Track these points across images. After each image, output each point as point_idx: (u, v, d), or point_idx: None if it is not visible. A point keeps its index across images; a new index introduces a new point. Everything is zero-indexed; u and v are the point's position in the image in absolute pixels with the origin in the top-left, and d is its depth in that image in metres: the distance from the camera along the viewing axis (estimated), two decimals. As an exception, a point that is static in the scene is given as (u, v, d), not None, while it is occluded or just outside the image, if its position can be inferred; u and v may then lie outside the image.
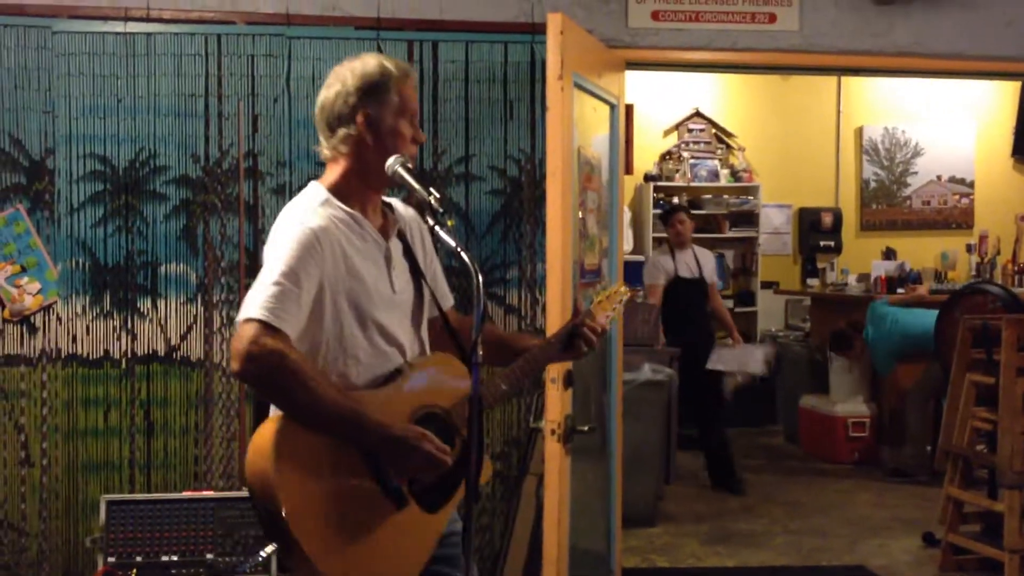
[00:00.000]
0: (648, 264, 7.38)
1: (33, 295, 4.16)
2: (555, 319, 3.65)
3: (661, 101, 9.22)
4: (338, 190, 2.41)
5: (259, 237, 4.24)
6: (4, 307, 4.15)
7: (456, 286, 2.85)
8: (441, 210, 2.30)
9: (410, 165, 2.40)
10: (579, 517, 4.15)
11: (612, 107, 4.36)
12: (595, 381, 4.31)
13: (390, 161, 2.38)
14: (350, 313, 2.36)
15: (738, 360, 7.22)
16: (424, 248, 2.58)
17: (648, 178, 9.22)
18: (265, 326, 2.18)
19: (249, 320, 2.20)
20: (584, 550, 4.39)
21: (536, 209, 4.36)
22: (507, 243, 4.42)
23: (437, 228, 2.31)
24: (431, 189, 2.32)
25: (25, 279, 4.15)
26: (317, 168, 4.23)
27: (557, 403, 3.60)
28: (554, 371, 3.44)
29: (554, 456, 3.72)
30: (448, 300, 2.66)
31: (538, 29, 4.17)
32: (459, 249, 2.24)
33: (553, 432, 3.62)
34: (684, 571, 5.41)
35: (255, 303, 2.21)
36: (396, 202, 2.58)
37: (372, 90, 2.40)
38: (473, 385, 2.18)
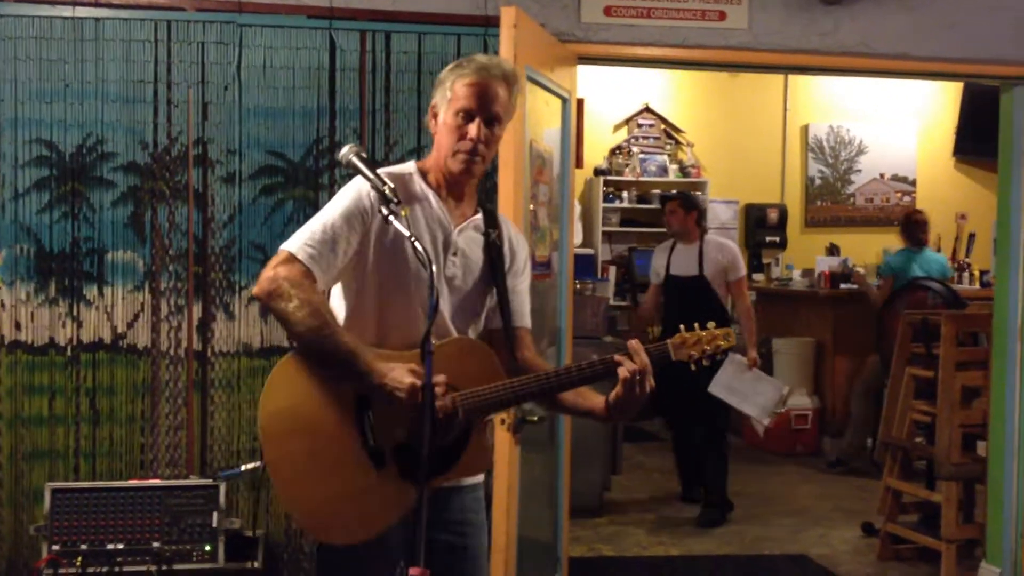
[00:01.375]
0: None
1: (-24, 281, 4.11)
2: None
3: (611, 96, 9.29)
4: (424, 167, 2.57)
5: (208, 225, 4.22)
6: (-54, 293, 4.09)
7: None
8: (395, 200, 2.32)
9: (364, 155, 2.42)
10: (526, 507, 4.18)
11: (564, 101, 4.39)
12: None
13: (344, 150, 2.42)
14: (392, 277, 2.46)
15: (743, 393, 6.17)
16: (514, 265, 2.63)
17: (598, 172, 9.29)
18: (291, 257, 2.37)
19: (281, 250, 2.40)
20: (531, 539, 4.43)
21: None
22: (458, 234, 4.43)
23: (391, 217, 2.33)
24: (384, 179, 2.34)
25: (-32, 265, 4.09)
26: (266, 156, 4.24)
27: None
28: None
29: (503, 447, 3.75)
30: (520, 319, 2.64)
31: (491, 22, 4.20)
32: (412, 239, 2.27)
33: (503, 422, 3.64)
34: (629, 560, 5.48)
35: (294, 237, 2.41)
36: (503, 219, 2.67)
37: (439, 82, 2.55)
38: (427, 372, 2.21)
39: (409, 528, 2.48)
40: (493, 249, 2.57)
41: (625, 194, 9.40)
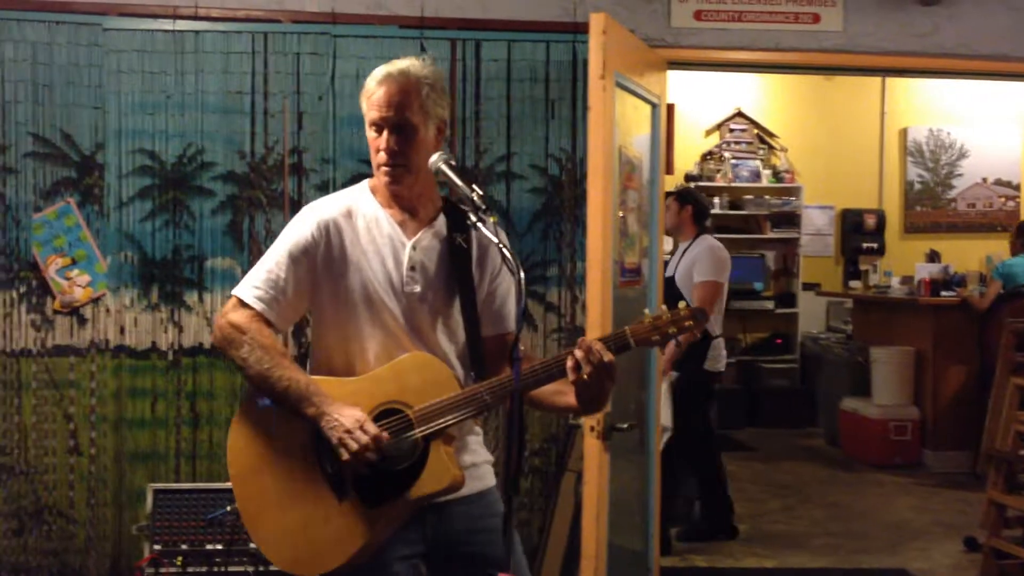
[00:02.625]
0: None
1: (83, 287, 4.25)
2: (595, 317, 3.67)
3: (703, 101, 9.21)
4: (374, 185, 2.54)
5: (303, 233, 4.30)
6: (55, 299, 4.23)
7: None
8: (483, 206, 2.33)
9: (453, 162, 2.43)
10: (617, 515, 4.17)
11: (654, 107, 4.37)
12: (634, 379, 4.32)
13: (433, 158, 2.43)
14: (347, 303, 2.45)
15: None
16: (484, 266, 2.55)
17: (689, 178, 9.21)
18: (239, 302, 2.43)
19: (232, 295, 2.46)
20: (622, 548, 4.41)
21: (576, 208, 4.39)
22: (547, 241, 4.45)
23: (479, 224, 2.34)
24: (474, 186, 2.35)
25: (75, 271, 4.24)
26: (359, 165, 4.30)
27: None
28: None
29: (593, 453, 3.74)
30: (505, 325, 2.58)
31: (580, 28, 4.19)
32: (500, 245, 2.28)
33: (592, 429, 3.63)
34: (722, 571, 5.41)
35: (243, 281, 2.47)
36: (485, 223, 2.51)
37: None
38: (514, 378, 2.21)
39: (411, 545, 2.50)
40: (457, 253, 2.50)
41: (716, 200, 9.30)
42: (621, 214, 3.97)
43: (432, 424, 2.36)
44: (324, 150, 4.31)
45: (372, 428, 2.32)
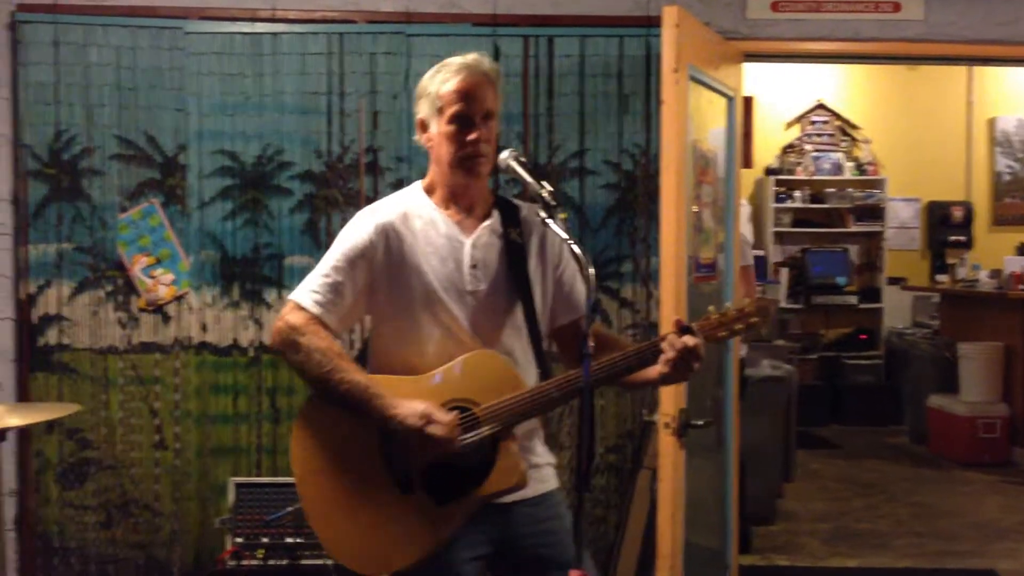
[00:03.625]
0: None
1: (167, 285, 4.35)
2: (668, 312, 3.65)
3: (783, 93, 9.08)
4: (427, 186, 2.54)
5: (379, 230, 4.34)
6: (140, 297, 4.34)
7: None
8: (553, 203, 2.32)
9: (523, 159, 2.43)
10: (695, 512, 4.13)
11: (729, 100, 4.32)
12: (711, 376, 4.28)
13: (503, 155, 2.43)
14: (408, 304, 2.45)
15: None
16: (545, 257, 2.55)
17: (769, 171, 9.09)
18: (296, 305, 2.43)
19: (289, 299, 2.47)
20: (700, 546, 4.37)
21: (650, 203, 4.35)
22: (621, 237, 4.42)
23: (549, 221, 2.34)
24: (543, 183, 2.35)
25: (159, 270, 4.34)
26: (435, 163, 4.32)
27: (671, 397, 3.59)
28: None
29: (668, 450, 3.71)
30: (579, 310, 2.56)
31: (654, 22, 4.16)
32: (570, 242, 2.27)
33: (667, 426, 3.61)
34: (803, 570, 5.33)
35: (301, 285, 2.47)
36: (525, 207, 2.58)
37: (419, 95, 2.50)
38: (584, 375, 2.21)
39: (476, 547, 2.50)
40: (513, 249, 2.49)
41: (798, 193, 9.17)
42: (695, 209, 3.94)
43: (500, 421, 2.37)
44: (399, 148, 4.35)
45: (444, 416, 2.32)
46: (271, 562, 3.99)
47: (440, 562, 2.41)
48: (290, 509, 3.90)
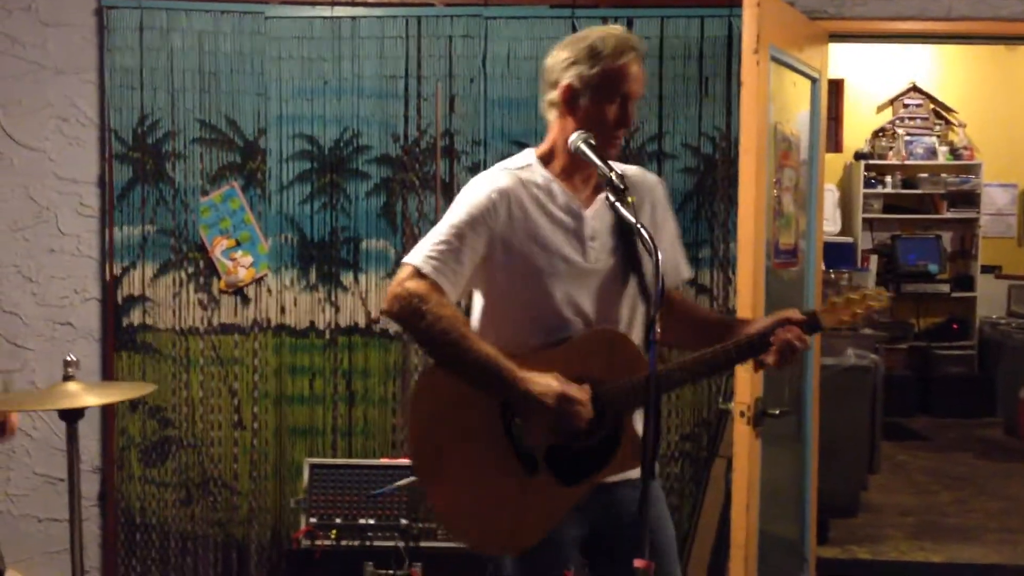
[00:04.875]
0: None
1: (246, 268, 4.40)
2: (746, 298, 3.58)
3: (874, 75, 8.84)
4: (544, 155, 2.50)
5: (455, 214, 4.33)
6: (220, 279, 4.41)
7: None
8: (622, 186, 2.29)
9: (593, 141, 2.39)
10: (772, 503, 4.06)
11: (814, 82, 4.21)
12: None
13: (573, 136, 2.40)
14: (527, 276, 2.41)
15: None
16: (654, 219, 2.53)
17: (859, 156, 8.87)
18: (416, 271, 2.34)
19: (405, 264, 2.38)
20: (777, 536, 4.29)
21: (730, 187, 4.27)
22: (699, 222, 4.35)
23: (617, 204, 2.31)
24: (611, 164, 2.32)
25: (239, 253, 4.40)
26: (511, 147, 4.30)
27: (747, 385, 3.53)
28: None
29: (743, 439, 3.65)
30: (679, 273, 2.62)
31: (736, 3, 4.03)
32: (639, 225, 2.24)
33: (743, 415, 3.55)
34: (885, 564, 5.21)
35: (417, 250, 2.39)
36: (635, 170, 2.56)
37: (578, 62, 2.42)
38: (651, 362, 2.16)
39: (578, 526, 2.46)
40: (623, 219, 2.38)
41: (888, 179, 8.93)
42: (776, 193, 3.85)
43: (624, 402, 2.33)
44: (475, 132, 4.33)
45: (581, 394, 2.29)
46: (344, 543, 4.03)
47: (548, 542, 2.40)
48: (397, 485, 3.90)
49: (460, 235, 2.38)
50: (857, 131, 8.86)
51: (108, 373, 4.41)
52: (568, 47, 2.45)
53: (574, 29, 4.26)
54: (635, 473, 2.41)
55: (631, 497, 2.41)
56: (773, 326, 2.38)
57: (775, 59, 3.69)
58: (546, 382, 2.29)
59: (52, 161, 4.37)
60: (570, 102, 2.43)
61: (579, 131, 2.40)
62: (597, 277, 2.43)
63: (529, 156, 2.50)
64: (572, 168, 2.45)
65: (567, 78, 2.42)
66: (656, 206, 2.57)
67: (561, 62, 2.44)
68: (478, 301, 2.51)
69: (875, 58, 8.63)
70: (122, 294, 4.40)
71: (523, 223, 2.40)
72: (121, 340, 4.41)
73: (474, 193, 2.43)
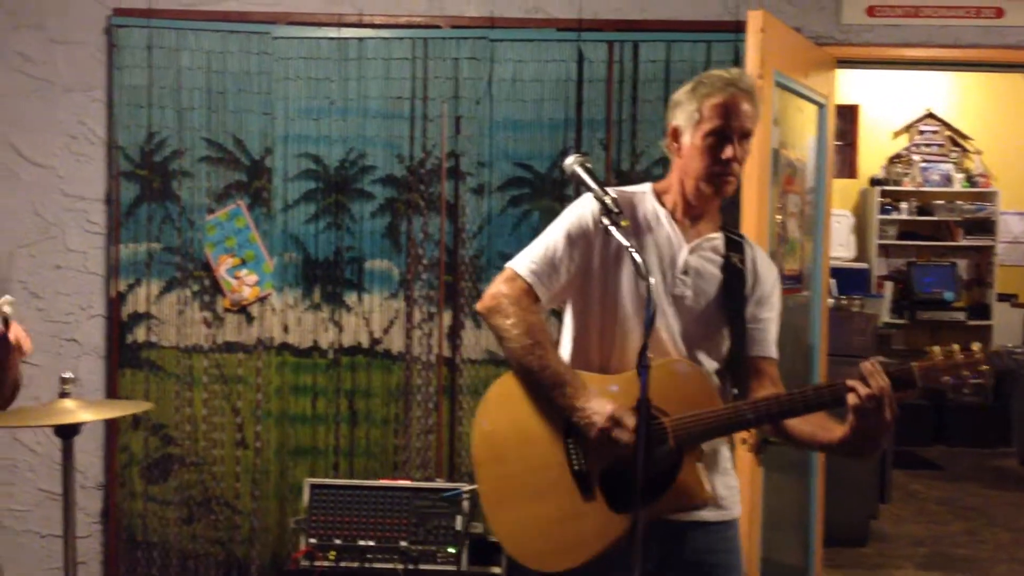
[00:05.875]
0: None
1: (251, 286, 4.41)
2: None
3: (890, 101, 8.80)
4: (660, 189, 2.52)
5: (459, 236, 4.33)
6: (225, 297, 4.41)
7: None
8: (616, 210, 2.28)
9: (589, 165, 2.38)
10: (777, 530, 4.02)
11: (820, 107, 4.20)
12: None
13: (569, 160, 2.39)
14: (609, 296, 2.43)
15: None
16: (754, 291, 2.49)
17: (874, 182, 8.82)
18: (515, 275, 2.44)
19: (506, 267, 2.48)
20: (781, 564, 4.25)
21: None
22: (705, 246, 4.32)
23: (611, 227, 2.29)
24: (607, 189, 2.31)
25: (244, 271, 4.41)
26: (515, 168, 4.31)
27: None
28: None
29: (745, 468, 3.61)
30: (760, 348, 2.48)
31: (743, 28, 4.04)
32: (630, 249, 2.22)
33: (744, 442, 3.51)
34: (892, 594, 5.15)
35: (521, 255, 2.48)
36: (749, 243, 2.54)
37: (678, 103, 2.47)
38: (642, 389, 2.14)
39: (641, 559, 2.41)
40: (732, 272, 2.44)
41: (904, 205, 8.87)
42: (779, 218, 3.83)
43: (688, 436, 2.29)
44: (481, 154, 4.33)
45: (631, 421, 2.26)
46: (343, 564, 4.01)
47: (600, 570, 2.36)
48: (467, 489, 3.88)
49: (560, 244, 2.44)
50: (872, 157, 8.82)
51: (112, 390, 4.41)
52: (680, 91, 2.51)
53: (580, 52, 4.27)
54: (711, 516, 2.41)
55: (700, 540, 2.39)
56: (847, 382, 2.22)
57: (780, 84, 3.69)
58: (600, 404, 2.29)
59: (60, 178, 4.40)
60: (675, 141, 2.48)
61: (575, 155, 2.40)
62: (681, 310, 2.42)
63: (646, 187, 2.54)
64: (685, 207, 2.47)
65: (673, 119, 2.48)
66: (761, 283, 2.51)
67: (671, 105, 2.51)
68: (567, 313, 2.54)
69: (890, 84, 8.60)
70: (127, 311, 4.41)
71: (619, 243, 2.39)
72: (125, 357, 4.42)
73: (581, 206, 2.48)
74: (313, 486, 4.12)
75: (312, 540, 4.05)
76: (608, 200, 2.29)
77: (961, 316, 8.85)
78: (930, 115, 8.90)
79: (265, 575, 4.44)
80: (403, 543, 4.01)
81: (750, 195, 3.48)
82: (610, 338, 2.43)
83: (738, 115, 2.37)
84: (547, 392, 2.35)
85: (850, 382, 2.17)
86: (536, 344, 2.36)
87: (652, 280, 2.17)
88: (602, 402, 2.29)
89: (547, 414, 2.37)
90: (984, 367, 2.15)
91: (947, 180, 8.88)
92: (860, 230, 8.80)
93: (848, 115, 8.58)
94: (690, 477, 2.30)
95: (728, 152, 2.36)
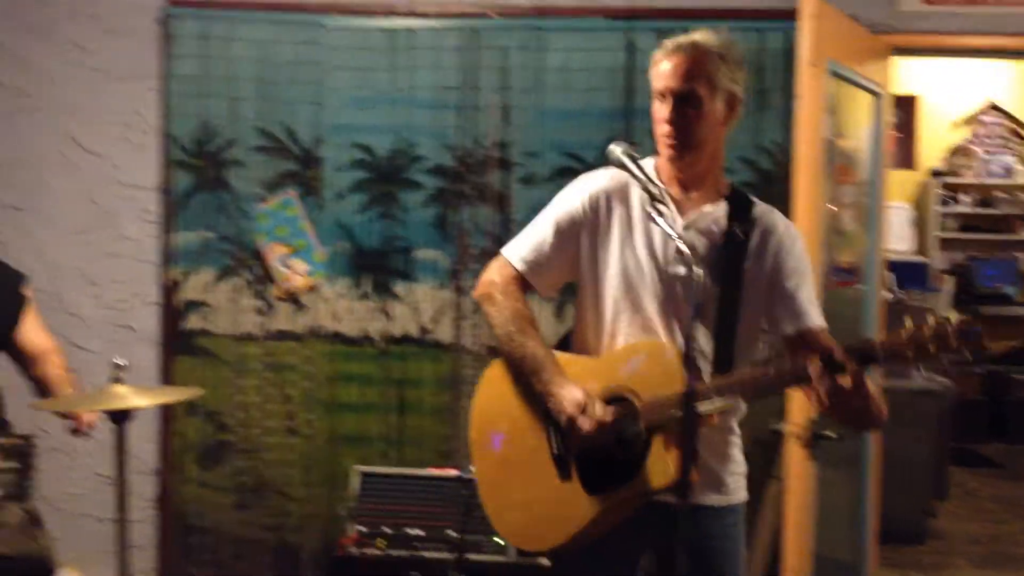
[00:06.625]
0: None
1: (302, 276, 4.44)
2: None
3: (951, 92, 8.62)
4: (658, 162, 2.49)
5: (508, 225, 4.32)
6: (276, 285, 4.45)
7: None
8: (661, 199, 2.26)
9: (633, 152, 2.35)
10: (830, 527, 3.97)
11: (876, 96, 4.12)
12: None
13: (613, 148, 2.37)
14: (600, 278, 2.44)
15: None
16: (763, 261, 2.40)
17: (934, 174, 8.65)
18: (505, 262, 2.50)
19: (500, 253, 2.55)
20: (835, 561, 4.20)
21: (788, 202, 4.18)
22: (756, 237, 4.27)
23: (654, 214, 2.27)
24: (651, 178, 2.28)
25: (295, 260, 4.44)
26: (565, 158, 4.28)
27: (800, 405, 3.46)
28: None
29: (796, 462, 3.59)
30: (803, 321, 2.37)
31: (796, 15, 3.98)
32: (674, 237, 2.20)
33: (796, 436, 3.47)
34: (948, 593, 5.06)
35: (514, 240, 2.54)
36: (764, 209, 2.47)
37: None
38: (688, 378, 2.12)
39: (633, 542, 2.42)
40: (734, 245, 2.36)
41: (965, 197, 8.70)
42: (833, 209, 3.77)
43: (657, 418, 2.27)
44: (530, 143, 4.32)
45: (597, 410, 2.29)
46: (391, 552, 4.02)
47: (594, 553, 2.39)
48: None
49: (549, 230, 2.47)
50: (932, 148, 8.65)
51: (167, 377, 4.47)
52: None
53: (630, 41, 4.23)
54: (712, 501, 2.41)
55: (701, 525, 2.36)
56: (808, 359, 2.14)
57: (834, 73, 3.63)
58: (570, 392, 2.31)
59: (115, 167, 4.46)
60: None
61: (620, 143, 2.37)
62: (674, 287, 2.38)
63: (648, 162, 2.47)
64: (676, 177, 2.43)
65: None
66: (768, 246, 2.43)
67: None
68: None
69: (951, 74, 8.42)
70: (181, 299, 4.46)
71: (611, 225, 2.42)
72: (180, 345, 4.47)
73: (570, 191, 2.50)
74: (362, 474, 4.13)
75: (361, 528, 4.06)
76: (654, 189, 2.27)
77: (1023, 311, 8.67)
78: (992, 106, 8.71)
79: (315, 561, 4.47)
80: (451, 532, 4.01)
81: (802, 185, 3.44)
82: (604, 323, 2.44)
83: (676, 76, 2.34)
84: (527, 378, 2.39)
85: (812, 367, 2.07)
86: (518, 331, 2.40)
87: (699, 271, 2.13)
88: (572, 389, 2.31)
89: (532, 399, 2.40)
90: (953, 343, 1.98)
91: (1009, 172, 8.68)
92: (919, 223, 8.64)
93: (907, 106, 8.42)
94: (658, 460, 2.26)
95: (664, 114, 2.36)
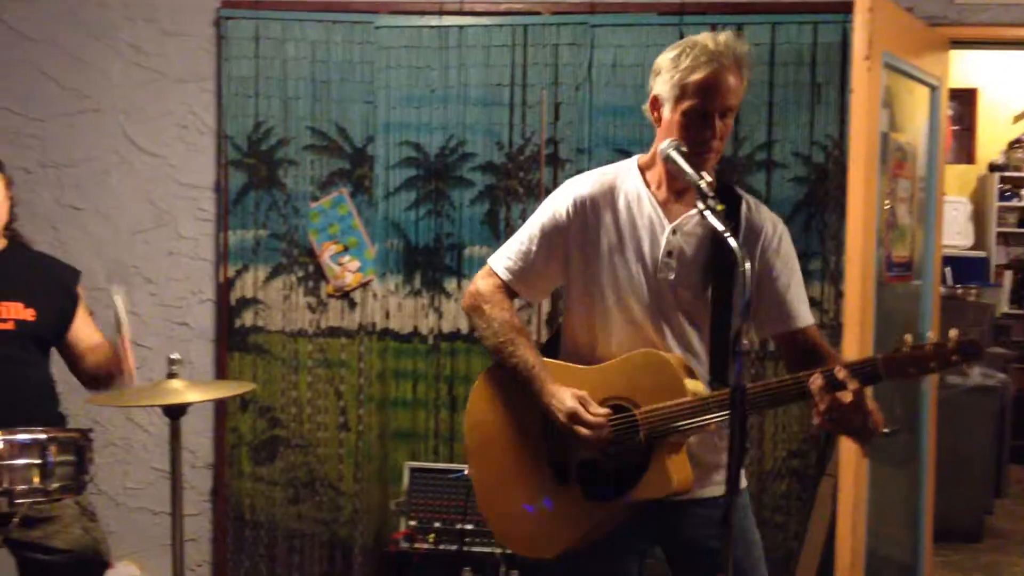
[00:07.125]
0: None
1: (353, 273, 4.48)
2: (854, 313, 3.48)
3: (1012, 85, 8.46)
4: (644, 163, 2.48)
5: (558, 222, 4.31)
6: (328, 283, 4.49)
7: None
8: (711, 194, 2.23)
9: (684, 149, 2.33)
10: (885, 525, 3.92)
11: (933, 90, 4.06)
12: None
13: (663, 144, 2.36)
14: (589, 285, 2.41)
15: None
16: (752, 259, 2.39)
17: (993, 167, 8.51)
18: (491, 271, 2.50)
19: (487, 263, 2.54)
20: (889, 559, 4.15)
21: (842, 198, 4.12)
22: (809, 233, 4.22)
23: (706, 212, 2.25)
24: (703, 173, 2.25)
25: (347, 258, 4.47)
26: (614, 155, 4.26)
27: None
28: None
29: (849, 459, 3.55)
30: (791, 322, 2.41)
31: (850, 8, 3.93)
32: (726, 234, 2.17)
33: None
34: (1008, 594, 4.98)
35: (501, 248, 2.54)
36: (752, 203, 2.47)
37: (660, 70, 2.38)
38: (736, 374, 2.10)
39: (638, 538, 2.42)
40: (718, 243, 2.29)
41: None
42: (888, 204, 3.72)
43: (657, 428, 2.28)
44: (580, 140, 4.32)
45: (594, 417, 2.28)
46: (442, 546, 4.05)
47: (600, 551, 2.40)
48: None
49: (533, 239, 2.46)
50: (992, 142, 8.50)
51: (221, 373, 4.53)
52: (663, 55, 2.40)
53: (681, 36, 4.18)
54: (712, 492, 2.40)
55: (703, 515, 2.39)
56: (809, 373, 2.15)
57: (889, 66, 3.58)
58: (561, 399, 2.31)
59: (172, 167, 4.53)
60: (655, 111, 2.40)
61: (670, 139, 2.35)
62: (666, 292, 2.37)
63: (631, 163, 2.49)
64: (668, 179, 2.40)
65: (655, 87, 2.39)
66: (759, 243, 2.44)
67: (654, 70, 2.41)
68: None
69: (1012, 67, 8.27)
70: (235, 296, 4.52)
71: (598, 231, 2.40)
72: (234, 341, 4.53)
73: (554, 199, 2.48)
74: (413, 469, 4.17)
75: (412, 522, 4.10)
76: (704, 185, 2.25)
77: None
78: (1054, 99, 8.54)
79: (367, 556, 4.51)
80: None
81: (857, 179, 3.40)
82: (594, 328, 2.41)
83: (720, 92, 2.28)
84: (521, 386, 2.39)
85: (813, 384, 2.09)
86: (508, 340, 2.41)
87: (747, 266, 2.10)
88: (565, 397, 2.30)
89: (527, 407, 2.40)
90: (954, 358, 2.02)
91: (1069, 166, 8.51)
92: (978, 217, 8.50)
93: (966, 99, 8.29)
94: (659, 470, 2.27)
95: (707, 133, 2.30)
